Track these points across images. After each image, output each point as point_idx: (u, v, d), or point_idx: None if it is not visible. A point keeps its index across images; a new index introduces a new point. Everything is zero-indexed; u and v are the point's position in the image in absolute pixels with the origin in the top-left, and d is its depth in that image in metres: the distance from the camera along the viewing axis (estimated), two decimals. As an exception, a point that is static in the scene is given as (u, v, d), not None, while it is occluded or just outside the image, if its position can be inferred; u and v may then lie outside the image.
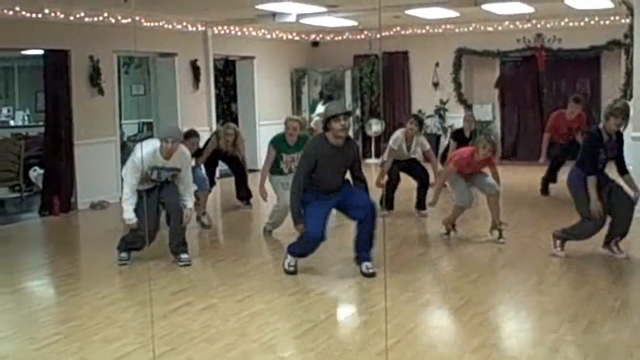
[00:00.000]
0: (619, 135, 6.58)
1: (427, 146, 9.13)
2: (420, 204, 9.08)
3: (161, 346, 4.70)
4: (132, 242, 6.92)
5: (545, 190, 10.34)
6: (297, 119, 8.42)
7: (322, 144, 6.24)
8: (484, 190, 7.71)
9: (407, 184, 9.38)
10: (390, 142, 8.98)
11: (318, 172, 6.25)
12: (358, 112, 15.40)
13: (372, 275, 6.27)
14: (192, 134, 8.75)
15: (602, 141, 6.43)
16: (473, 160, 7.48)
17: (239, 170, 10.06)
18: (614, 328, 4.94)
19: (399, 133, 9.02)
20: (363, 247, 6.39)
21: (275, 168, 8.02)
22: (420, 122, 9.12)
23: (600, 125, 6.51)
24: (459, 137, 10.54)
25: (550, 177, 10.32)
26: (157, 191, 6.91)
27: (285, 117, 8.41)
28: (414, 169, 9.14)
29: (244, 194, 10.13)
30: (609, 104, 6.55)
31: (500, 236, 7.51)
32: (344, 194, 6.41)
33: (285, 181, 7.75)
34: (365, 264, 6.35)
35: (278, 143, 7.99)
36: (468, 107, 14.21)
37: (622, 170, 6.66)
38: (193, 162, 8.90)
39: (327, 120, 6.17)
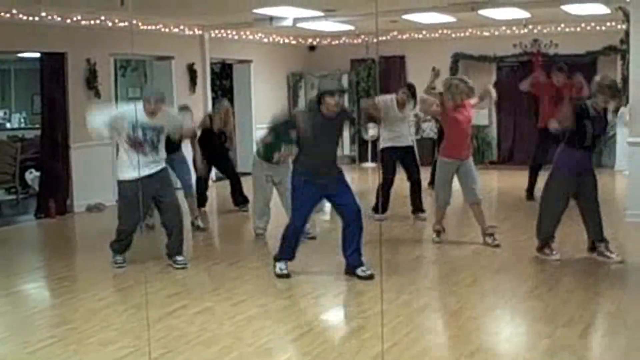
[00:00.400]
0: (606, 114, 6.63)
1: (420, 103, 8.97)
2: (417, 207, 9.04)
3: (157, 349, 4.69)
4: (118, 240, 6.93)
5: (530, 195, 10.36)
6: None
7: (315, 114, 6.24)
8: (466, 199, 7.72)
9: (400, 187, 9.36)
10: (379, 98, 8.96)
11: (308, 145, 6.24)
12: (354, 115, 15.37)
13: (370, 277, 6.26)
14: (185, 108, 8.81)
15: (588, 114, 6.48)
16: (456, 111, 7.44)
17: (232, 175, 10.05)
18: (609, 332, 4.95)
19: (389, 96, 9.00)
20: (353, 252, 6.40)
21: (266, 152, 7.77)
22: (412, 91, 9.01)
23: (589, 102, 6.56)
24: None
25: (532, 181, 10.34)
26: (152, 185, 6.75)
27: None
28: (409, 164, 9.00)
29: (239, 199, 10.11)
30: (597, 80, 6.60)
31: (494, 239, 7.51)
32: (334, 187, 6.35)
33: (269, 173, 7.80)
34: (360, 269, 6.35)
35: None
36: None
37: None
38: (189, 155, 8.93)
39: (322, 94, 6.18)
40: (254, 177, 8.12)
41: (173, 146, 8.15)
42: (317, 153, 6.27)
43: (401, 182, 9.20)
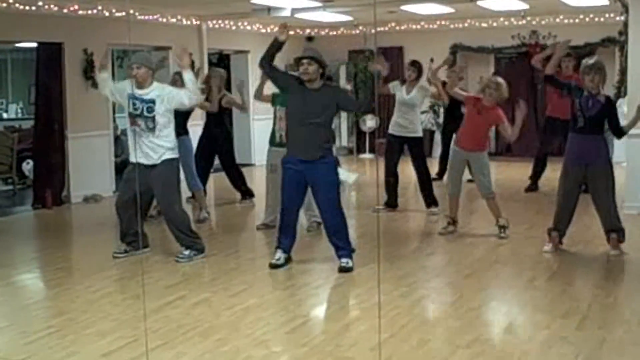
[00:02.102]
0: (609, 102, 6.57)
1: (430, 90, 8.90)
2: (429, 200, 8.84)
3: (154, 340, 4.69)
4: (123, 235, 6.89)
5: (534, 186, 10.37)
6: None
7: (298, 80, 6.24)
8: (480, 192, 7.72)
9: (405, 178, 9.35)
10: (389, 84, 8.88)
11: (290, 120, 6.28)
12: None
13: (347, 270, 6.23)
14: (177, 74, 8.77)
15: (581, 95, 6.47)
16: (479, 103, 7.43)
17: (230, 165, 9.87)
18: (606, 324, 4.95)
19: (397, 81, 8.94)
20: (336, 242, 6.38)
21: (272, 138, 7.82)
22: (418, 68, 8.91)
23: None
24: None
25: (536, 172, 10.34)
26: (147, 180, 6.59)
27: None
28: (416, 154, 8.78)
29: (244, 188, 9.94)
30: (582, 62, 6.61)
31: (502, 232, 7.52)
32: (314, 173, 6.23)
33: (274, 162, 7.52)
34: (342, 260, 6.33)
35: (273, 96, 7.84)
36: (462, 103, 14.17)
37: (617, 134, 6.70)
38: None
39: (296, 62, 6.23)
40: (271, 158, 7.87)
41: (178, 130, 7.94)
42: (297, 130, 6.22)
43: (411, 172, 9.13)
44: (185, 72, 6.63)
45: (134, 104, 6.55)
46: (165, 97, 6.57)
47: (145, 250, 6.85)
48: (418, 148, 8.86)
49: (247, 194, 9.92)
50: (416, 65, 8.96)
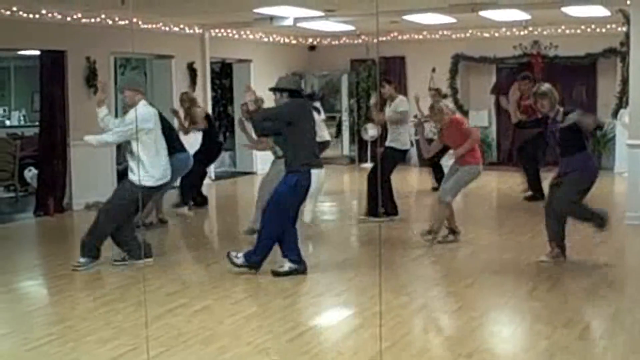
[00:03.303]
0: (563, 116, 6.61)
1: (406, 110, 9.01)
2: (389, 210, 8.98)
3: (155, 347, 4.69)
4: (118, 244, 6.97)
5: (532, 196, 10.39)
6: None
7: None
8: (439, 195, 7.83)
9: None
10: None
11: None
12: (355, 116, 15.45)
13: (278, 274, 6.38)
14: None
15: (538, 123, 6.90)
16: (441, 133, 7.73)
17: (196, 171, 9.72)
18: (608, 334, 4.95)
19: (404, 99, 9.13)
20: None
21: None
22: (389, 83, 9.11)
23: None
24: None
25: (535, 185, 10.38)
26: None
27: None
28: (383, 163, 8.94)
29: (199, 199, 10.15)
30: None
31: (428, 234, 7.60)
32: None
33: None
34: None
35: None
36: (464, 112, 14.23)
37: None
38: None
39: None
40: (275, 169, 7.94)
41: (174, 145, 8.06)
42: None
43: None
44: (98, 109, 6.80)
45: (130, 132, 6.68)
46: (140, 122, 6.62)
47: (147, 261, 6.86)
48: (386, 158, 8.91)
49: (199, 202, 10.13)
50: (387, 81, 9.14)
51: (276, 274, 6.41)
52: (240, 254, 6.50)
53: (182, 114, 9.97)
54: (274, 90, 6.56)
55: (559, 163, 6.76)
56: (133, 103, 6.67)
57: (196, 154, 9.51)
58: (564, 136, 6.52)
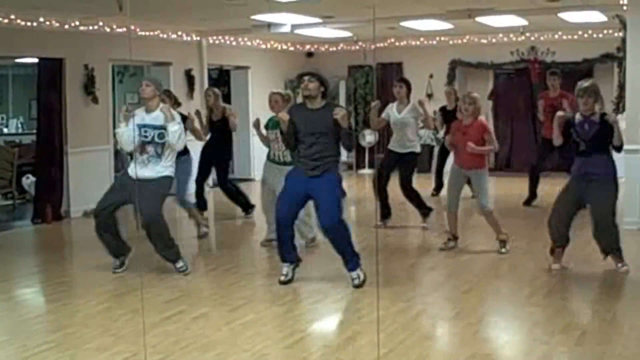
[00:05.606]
0: (603, 120, 6.52)
1: (420, 113, 8.72)
2: (422, 213, 8.92)
3: (153, 355, 4.69)
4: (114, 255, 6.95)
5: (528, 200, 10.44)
6: (279, 92, 8.45)
7: (298, 106, 6.52)
8: (479, 208, 7.74)
9: (398, 194, 9.36)
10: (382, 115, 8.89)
11: (298, 137, 6.35)
12: (352, 122, 15.43)
13: (357, 286, 6.24)
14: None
15: (573, 122, 6.56)
16: (461, 125, 7.51)
17: (223, 181, 9.81)
18: (606, 340, 4.95)
19: (388, 105, 8.93)
20: (343, 259, 6.39)
21: (269, 154, 7.90)
22: (407, 84, 8.81)
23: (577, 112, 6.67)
24: (444, 112, 10.75)
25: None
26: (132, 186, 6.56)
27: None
28: (402, 168, 8.77)
29: (243, 201, 9.99)
30: (577, 84, 6.63)
31: (502, 247, 7.53)
32: (317, 187, 6.24)
33: (279, 172, 7.46)
34: (350, 274, 6.35)
35: (268, 120, 7.97)
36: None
37: (616, 149, 6.67)
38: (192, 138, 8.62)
39: (298, 78, 6.45)
40: (268, 173, 7.93)
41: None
42: (304, 147, 6.33)
43: (398, 189, 9.20)
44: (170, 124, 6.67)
45: (144, 132, 6.64)
46: (169, 131, 6.62)
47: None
48: (408, 163, 8.79)
49: (248, 206, 9.94)
50: (404, 81, 8.89)
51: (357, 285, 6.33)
52: (354, 272, 6.31)
53: (204, 113, 9.64)
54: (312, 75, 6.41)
55: (572, 163, 6.73)
56: (147, 96, 6.68)
57: (209, 147, 9.52)
58: (599, 134, 6.48)
